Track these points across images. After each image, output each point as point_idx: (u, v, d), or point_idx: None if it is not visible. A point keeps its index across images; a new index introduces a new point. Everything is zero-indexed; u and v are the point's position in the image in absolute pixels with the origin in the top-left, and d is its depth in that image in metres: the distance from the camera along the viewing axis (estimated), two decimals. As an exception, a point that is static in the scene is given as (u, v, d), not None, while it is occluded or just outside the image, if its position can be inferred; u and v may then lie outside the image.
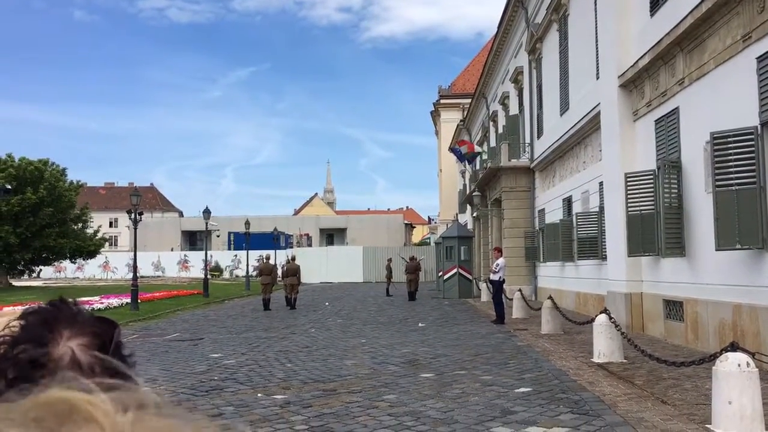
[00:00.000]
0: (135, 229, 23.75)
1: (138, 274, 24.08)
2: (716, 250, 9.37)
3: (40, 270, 49.76)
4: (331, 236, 74.62)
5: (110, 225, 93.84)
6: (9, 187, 24.05)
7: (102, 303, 22.96)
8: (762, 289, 8.74)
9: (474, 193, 32.21)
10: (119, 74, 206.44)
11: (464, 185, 45.30)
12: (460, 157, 36.31)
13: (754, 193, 8.45)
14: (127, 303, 22.62)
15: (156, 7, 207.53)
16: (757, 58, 8.80)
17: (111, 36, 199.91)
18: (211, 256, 53.14)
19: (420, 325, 16.64)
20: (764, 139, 8.39)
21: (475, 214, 36.26)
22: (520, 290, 18.89)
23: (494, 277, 17.37)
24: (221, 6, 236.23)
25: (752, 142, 8.52)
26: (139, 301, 22.34)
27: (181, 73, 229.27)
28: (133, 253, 25.34)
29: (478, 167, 36.86)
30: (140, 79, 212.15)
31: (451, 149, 36.95)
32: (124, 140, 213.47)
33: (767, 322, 8.58)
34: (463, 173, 47.17)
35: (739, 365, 5.48)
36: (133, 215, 23.37)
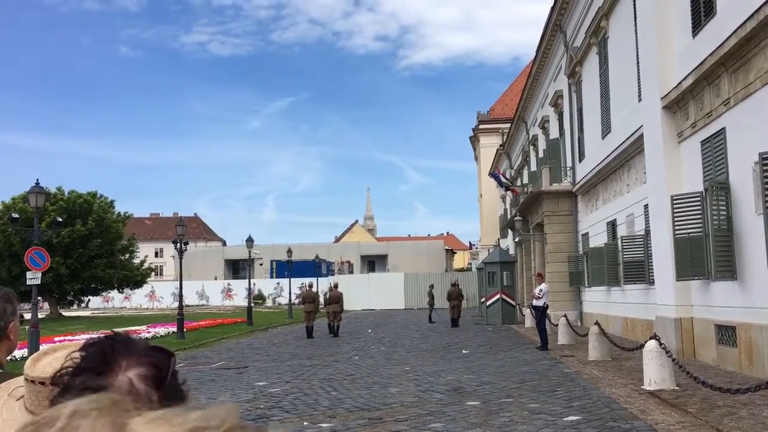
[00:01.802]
0: (180, 258, 24.17)
1: (183, 303, 24.44)
2: (769, 273, 9.12)
3: (89, 300, 50.82)
4: (372, 263, 74.67)
5: (156, 255, 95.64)
6: (60, 219, 24.75)
7: (149, 332, 23.35)
8: (819, 313, 8.46)
9: (515, 218, 31.97)
10: (163, 108, 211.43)
11: (505, 210, 45.00)
12: (500, 182, 36.21)
13: (807, 214, 8.22)
14: (173, 332, 22.96)
15: (198, 42, 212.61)
16: (805, 77, 8.62)
17: (155, 71, 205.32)
18: (254, 284, 53.63)
19: (464, 351, 16.49)
20: (816, 158, 8.19)
21: (516, 239, 35.93)
22: (565, 315, 18.60)
23: (537, 302, 17.16)
24: (260, 38, 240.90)
25: (804, 162, 8.31)
26: (185, 329, 22.65)
27: (222, 105, 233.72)
28: (178, 282, 25.76)
29: (519, 192, 36.63)
30: (183, 112, 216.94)
31: (492, 174, 36.87)
32: (169, 172, 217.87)
33: (826, 348, 8.29)
34: (503, 198, 46.90)
35: (798, 392, 5.31)
36: (178, 245, 23.80)
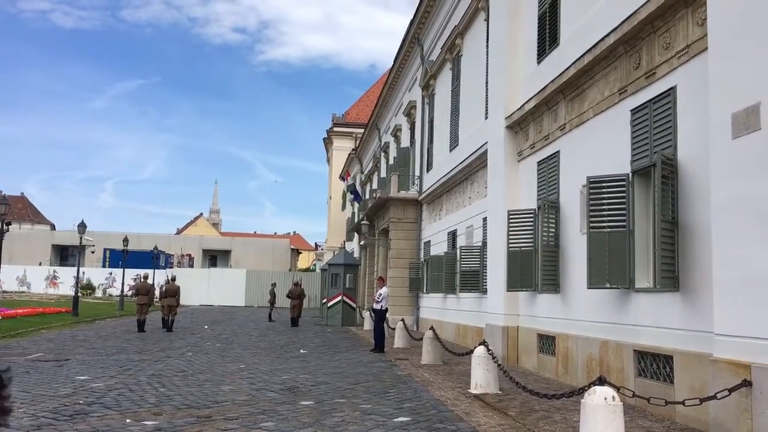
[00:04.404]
0: (1, 239, 22.17)
1: (1, 288, 22.41)
2: (588, 288, 9.88)
3: None
4: (215, 258, 72.78)
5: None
6: None
7: (-44, 318, 21.17)
8: (627, 327, 9.29)
9: (362, 222, 32.46)
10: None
11: (353, 213, 45.57)
12: (357, 198, 36.59)
13: (623, 236, 9.00)
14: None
15: (38, 9, 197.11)
16: (631, 111, 9.45)
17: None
18: (84, 272, 50.39)
19: (302, 351, 16.44)
20: (635, 185, 8.99)
21: (362, 243, 36.51)
22: (402, 320, 19.10)
23: (377, 306, 17.49)
24: (109, 14, 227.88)
25: (624, 189, 9.09)
26: (0, 317, 20.77)
27: (63, 79, 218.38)
28: (-4, 266, 23.60)
29: (367, 197, 37.25)
30: (16, 81, 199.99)
31: (351, 189, 37.13)
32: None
33: (631, 359, 9.11)
34: (352, 202, 47.50)
35: (605, 399, 5.76)
36: (-1, 225, 21.83)
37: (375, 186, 36.70)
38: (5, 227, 21.93)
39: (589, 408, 5.79)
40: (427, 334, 14.32)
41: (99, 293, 54.50)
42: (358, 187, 38.03)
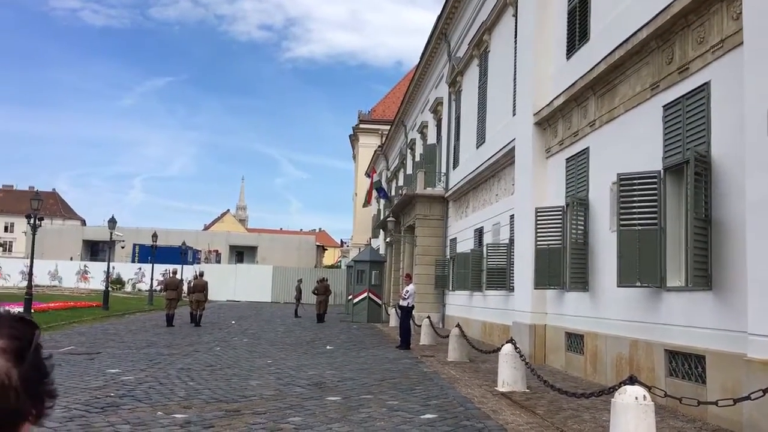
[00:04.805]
0: (34, 234, 22.57)
1: (33, 283, 22.83)
2: (618, 286, 9.77)
3: None
4: (241, 254, 73.30)
5: (5, 230, 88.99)
6: None
7: (-10, 311, 21.61)
8: (658, 326, 9.16)
9: (388, 219, 32.45)
10: (25, 74, 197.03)
11: (379, 210, 45.59)
12: (384, 195, 36.62)
13: (654, 234, 8.88)
14: (19, 312, 21.36)
15: (69, 8, 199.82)
16: (663, 106, 9.31)
17: (18, 33, 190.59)
18: (114, 267, 51.12)
19: (328, 347, 16.50)
20: (667, 183, 8.86)
21: (388, 240, 36.51)
22: (428, 317, 19.07)
23: (403, 302, 17.48)
24: (138, 13, 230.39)
25: (655, 186, 8.97)
26: (33, 310, 21.17)
27: (93, 78, 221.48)
28: (29, 260, 24.02)
29: (393, 194, 37.24)
30: (48, 80, 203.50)
31: (378, 188, 37.16)
32: (27, 142, 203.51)
33: (661, 358, 8.99)
34: (378, 199, 47.53)
35: (636, 398, 5.69)
36: (32, 220, 22.20)
37: (401, 183, 36.68)
38: (38, 223, 22.29)
39: (620, 407, 5.72)
40: (454, 332, 14.28)
41: (128, 288, 55.21)
42: (384, 184, 38.01)
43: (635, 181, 9.29)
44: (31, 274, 22.87)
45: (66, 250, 65.65)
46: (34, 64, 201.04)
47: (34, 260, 24.08)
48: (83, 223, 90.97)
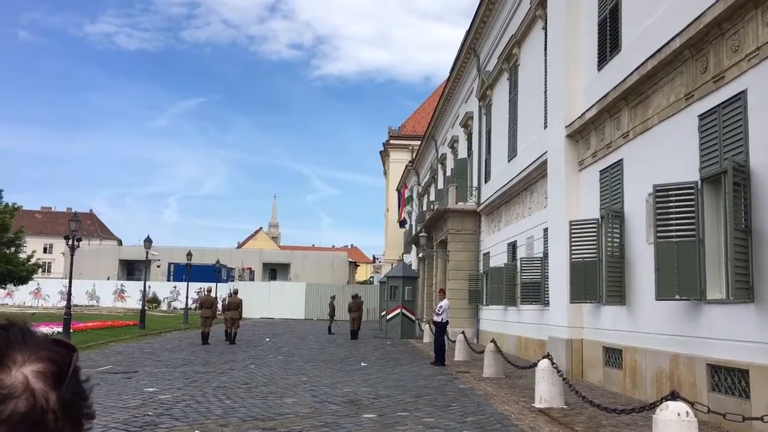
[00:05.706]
0: (72, 255, 22.98)
1: (71, 303, 23.21)
2: (656, 299, 9.59)
3: (-33, 295, 47.53)
4: (275, 271, 73.72)
5: (44, 251, 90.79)
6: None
7: (31, 331, 22.01)
8: (699, 340, 8.97)
9: (420, 234, 32.38)
10: (62, 98, 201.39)
11: (410, 226, 45.55)
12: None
13: (693, 246, 8.71)
14: (58, 332, 21.69)
15: (104, 32, 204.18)
16: (699, 116, 9.17)
17: (55, 59, 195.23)
18: (150, 286, 51.79)
19: (362, 364, 16.47)
20: (704, 193, 8.70)
21: (420, 255, 36.41)
22: (463, 332, 18.93)
23: (437, 318, 17.39)
24: (171, 35, 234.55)
25: (692, 197, 8.82)
26: (71, 330, 21.52)
27: (127, 100, 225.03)
28: (67, 280, 24.47)
29: (425, 209, 37.20)
30: (83, 103, 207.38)
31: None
32: (64, 164, 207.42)
33: (703, 373, 8.78)
34: (410, 213, 47.55)
35: (678, 414, 5.56)
36: (70, 241, 22.63)
37: (432, 198, 36.63)
38: (76, 243, 22.71)
39: (662, 424, 5.60)
40: (489, 347, 14.15)
41: (164, 306, 55.85)
42: (415, 199, 37.89)
43: (672, 193, 9.14)
44: (69, 294, 23.26)
45: (103, 270, 66.75)
46: (71, 88, 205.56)
47: (73, 280, 24.51)
48: (119, 242, 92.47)
